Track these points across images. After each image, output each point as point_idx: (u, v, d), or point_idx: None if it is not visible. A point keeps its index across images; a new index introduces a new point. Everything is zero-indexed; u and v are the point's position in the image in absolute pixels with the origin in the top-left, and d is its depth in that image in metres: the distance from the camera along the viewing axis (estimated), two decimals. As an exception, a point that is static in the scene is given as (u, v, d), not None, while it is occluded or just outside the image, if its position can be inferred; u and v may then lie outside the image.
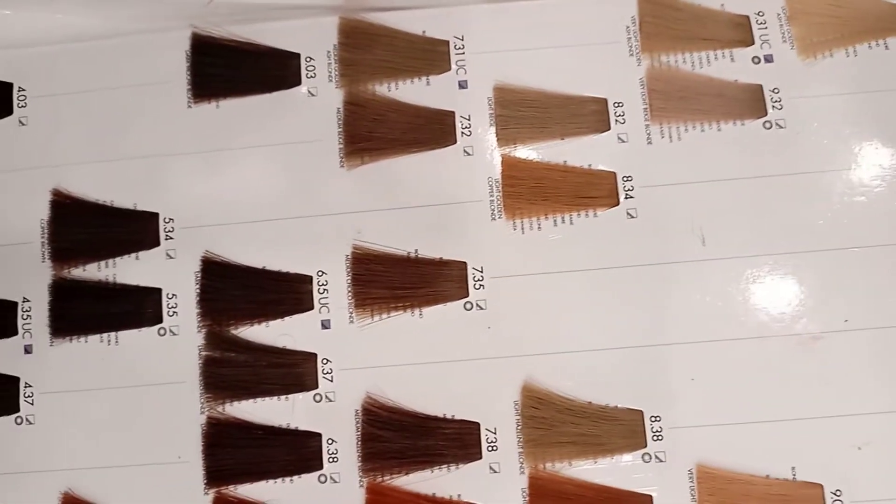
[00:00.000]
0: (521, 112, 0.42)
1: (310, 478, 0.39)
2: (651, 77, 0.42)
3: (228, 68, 0.43)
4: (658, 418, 0.38)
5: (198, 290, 0.41)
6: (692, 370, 0.39)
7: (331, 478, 0.39)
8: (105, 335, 0.41)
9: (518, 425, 0.39)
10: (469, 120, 0.42)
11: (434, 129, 0.42)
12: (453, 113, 0.42)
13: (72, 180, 0.43)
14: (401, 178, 0.42)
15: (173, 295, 0.41)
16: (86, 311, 0.41)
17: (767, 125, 0.41)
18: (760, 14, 0.42)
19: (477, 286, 0.40)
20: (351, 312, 0.40)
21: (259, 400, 0.40)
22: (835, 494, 0.37)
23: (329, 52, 0.43)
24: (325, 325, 0.41)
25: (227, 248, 0.41)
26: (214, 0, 0.42)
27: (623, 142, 0.41)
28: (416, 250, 0.41)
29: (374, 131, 0.42)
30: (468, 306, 0.40)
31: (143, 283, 0.41)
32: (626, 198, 0.41)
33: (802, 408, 0.38)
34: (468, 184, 0.41)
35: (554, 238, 0.41)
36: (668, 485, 0.38)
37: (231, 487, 0.39)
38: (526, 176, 0.41)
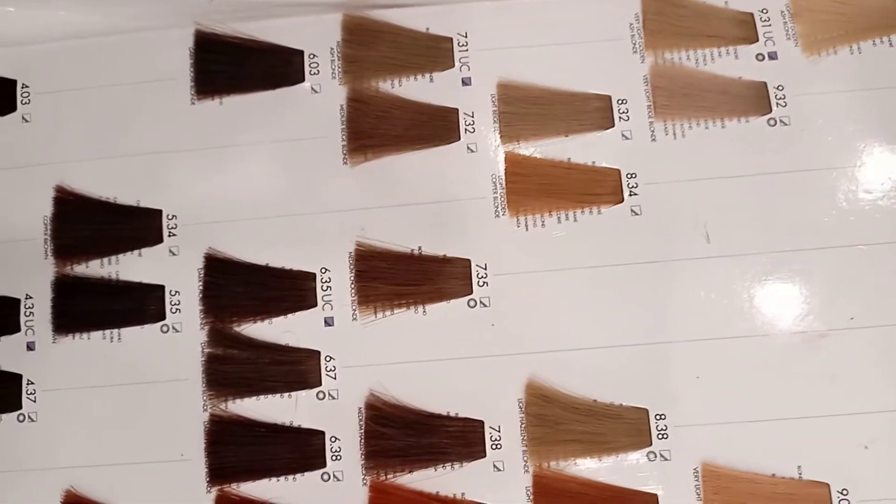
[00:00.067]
0: (524, 109, 0.41)
1: (313, 476, 0.38)
2: (655, 74, 0.41)
3: (232, 65, 0.42)
4: (663, 416, 0.37)
5: (201, 287, 0.40)
6: (697, 368, 0.38)
7: (334, 476, 0.38)
8: (108, 332, 0.40)
9: (522, 423, 0.38)
10: (472, 117, 0.41)
11: (437, 126, 0.41)
12: (457, 110, 0.41)
13: (75, 177, 0.41)
14: (404, 175, 0.40)
15: (176, 292, 0.40)
16: (88, 307, 0.40)
17: (772, 122, 0.40)
18: (764, 11, 0.41)
19: (480, 283, 0.39)
20: (354, 310, 0.39)
21: (262, 397, 0.39)
22: (841, 493, 0.36)
23: (332, 48, 0.42)
24: (329, 322, 0.39)
25: (230, 245, 0.40)
26: (218, -3, 0.42)
27: (627, 139, 0.40)
28: (420, 247, 0.40)
29: (377, 128, 0.41)
30: (472, 304, 0.39)
31: (145, 280, 0.40)
32: (630, 195, 0.40)
33: (808, 406, 0.37)
34: (472, 181, 0.40)
35: (558, 235, 0.39)
36: (674, 483, 0.37)
37: (234, 485, 0.38)
38: (529, 173, 0.40)
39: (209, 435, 0.39)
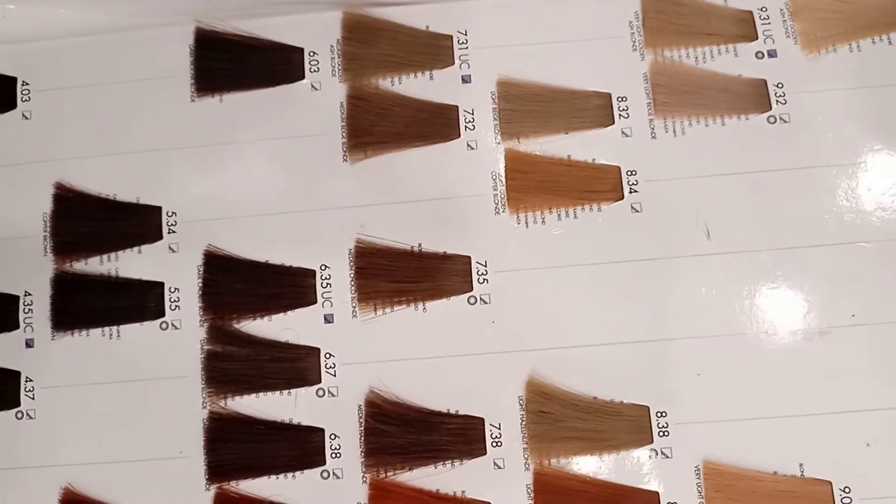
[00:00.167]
0: (524, 106, 0.39)
1: (312, 473, 0.37)
2: (655, 72, 0.39)
3: (232, 63, 0.41)
4: (664, 414, 0.36)
5: (200, 284, 0.38)
6: (698, 365, 0.36)
7: (334, 473, 0.36)
8: (107, 329, 0.38)
9: (523, 421, 0.36)
10: (472, 114, 0.39)
11: (437, 124, 0.39)
12: (457, 107, 0.40)
13: (75, 174, 0.40)
14: (404, 173, 0.39)
15: (176, 289, 0.39)
16: (88, 304, 0.39)
17: (772, 120, 0.39)
18: (763, 9, 0.40)
19: (481, 280, 0.38)
20: (354, 307, 0.38)
21: (261, 394, 0.37)
22: (843, 491, 0.35)
23: (332, 46, 0.41)
24: (328, 319, 0.38)
25: (230, 242, 0.39)
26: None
27: (627, 136, 0.39)
28: (420, 244, 0.38)
29: (377, 125, 0.40)
30: (472, 301, 0.38)
31: (145, 277, 0.39)
32: (630, 192, 0.38)
33: (810, 404, 0.36)
34: (472, 178, 0.39)
35: (558, 232, 0.38)
36: (675, 481, 0.35)
37: (233, 483, 0.37)
38: (530, 170, 0.39)
39: (208, 432, 0.37)
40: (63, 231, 0.39)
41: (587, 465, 0.36)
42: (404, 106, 0.40)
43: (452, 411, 0.37)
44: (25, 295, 0.39)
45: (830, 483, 0.35)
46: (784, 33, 0.40)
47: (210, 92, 0.40)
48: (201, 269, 0.39)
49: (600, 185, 0.38)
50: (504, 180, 0.39)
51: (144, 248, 0.39)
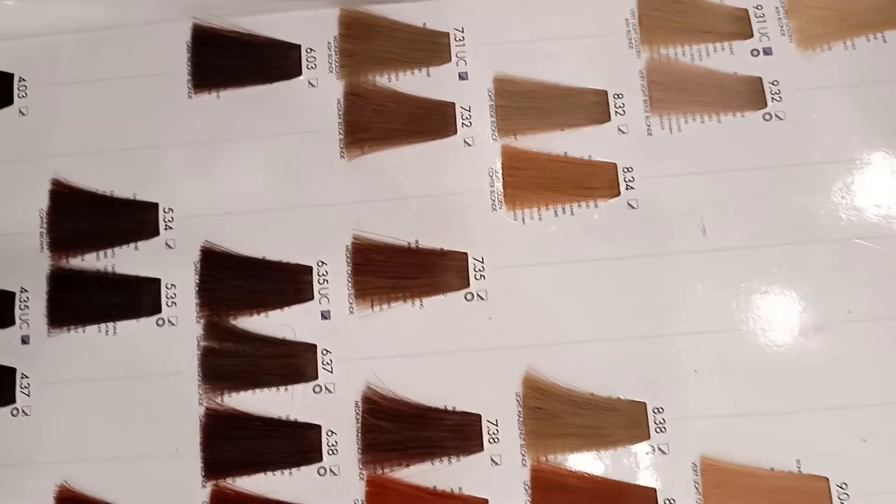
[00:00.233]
0: (521, 103, 0.39)
1: (309, 470, 0.36)
2: (651, 69, 0.39)
3: (229, 59, 0.40)
4: (661, 410, 0.35)
5: (197, 281, 0.38)
6: (695, 361, 0.35)
7: (330, 470, 0.36)
8: (103, 325, 0.37)
9: (520, 417, 0.35)
10: (469, 111, 0.39)
11: (434, 120, 0.39)
12: (454, 104, 0.39)
13: (71, 170, 0.39)
14: (401, 169, 0.38)
15: (172, 285, 0.38)
16: (84, 301, 0.38)
17: (767, 117, 0.38)
18: (759, 7, 0.39)
19: (477, 277, 0.37)
20: (351, 303, 0.37)
21: (258, 391, 0.37)
22: (840, 487, 0.34)
23: (330, 43, 0.40)
24: (325, 315, 0.37)
25: (227, 239, 0.38)
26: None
27: (623, 133, 0.38)
28: (417, 241, 0.37)
29: (374, 122, 0.39)
30: (469, 297, 0.37)
31: (141, 274, 0.38)
32: (626, 189, 0.37)
33: (806, 399, 0.35)
34: (468, 174, 0.38)
35: (555, 229, 0.37)
36: (672, 477, 0.34)
37: (229, 480, 0.36)
38: (526, 167, 0.38)
39: (205, 429, 0.36)
40: (59, 227, 0.39)
41: (584, 462, 0.35)
42: (401, 103, 0.39)
43: (449, 407, 0.36)
44: (21, 291, 0.38)
45: (827, 479, 0.34)
46: (779, 31, 0.39)
47: (207, 88, 0.40)
48: (198, 266, 0.38)
49: (596, 181, 0.38)
50: (501, 177, 0.38)
51: (141, 244, 0.38)
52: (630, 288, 0.36)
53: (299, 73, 0.40)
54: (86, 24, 0.40)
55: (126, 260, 0.38)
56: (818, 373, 0.35)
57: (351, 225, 0.38)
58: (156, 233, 0.38)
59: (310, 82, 0.40)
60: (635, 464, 0.35)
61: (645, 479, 0.35)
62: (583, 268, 0.37)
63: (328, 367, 0.37)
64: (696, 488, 0.34)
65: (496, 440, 0.35)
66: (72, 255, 0.38)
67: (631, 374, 0.36)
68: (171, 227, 0.38)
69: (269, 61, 0.40)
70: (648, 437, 0.35)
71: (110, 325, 0.38)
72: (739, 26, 0.39)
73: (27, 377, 0.37)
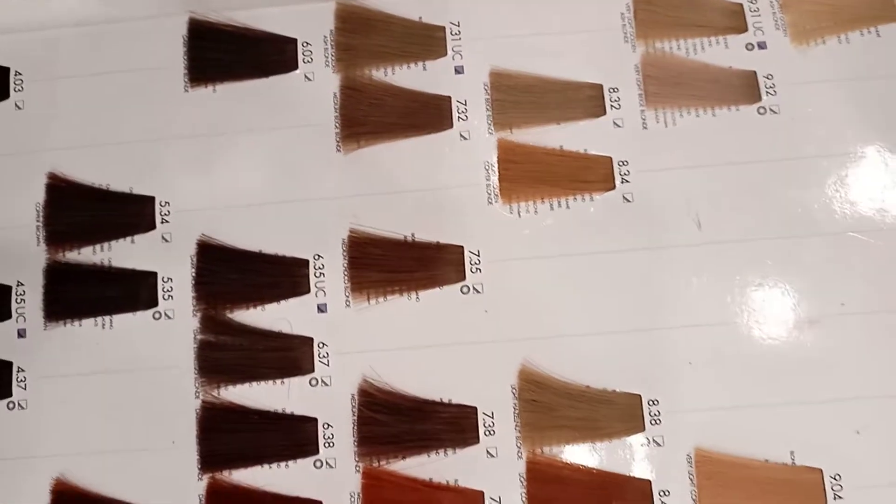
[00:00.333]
0: (517, 97, 0.38)
1: (305, 463, 0.35)
2: (646, 63, 0.38)
3: (225, 53, 0.39)
4: (656, 402, 0.34)
5: (193, 274, 0.37)
6: (690, 354, 0.35)
7: (327, 463, 0.35)
8: (100, 319, 0.37)
9: (515, 409, 0.35)
10: (465, 105, 0.38)
11: (430, 114, 0.38)
12: (450, 98, 0.38)
13: (68, 164, 0.38)
14: (397, 163, 0.38)
15: (169, 279, 0.37)
16: (80, 294, 0.37)
17: (762, 111, 0.37)
18: (754, 1, 0.38)
19: (473, 270, 0.36)
20: (347, 296, 0.36)
21: (254, 384, 0.36)
22: (834, 479, 0.33)
23: (326, 37, 0.39)
24: (322, 308, 0.36)
25: (223, 232, 0.37)
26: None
27: (619, 127, 0.37)
28: (413, 234, 0.37)
29: (370, 116, 0.38)
30: (465, 290, 0.36)
31: (138, 267, 0.37)
32: (622, 182, 0.37)
33: (800, 392, 0.34)
34: (464, 168, 0.37)
35: (550, 222, 0.37)
36: (667, 469, 0.34)
37: (226, 472, 0.35)
38: (522, 160, 0.37)
39: (201, 422, 0.36)
40: (56, 221, 0.38)
41: (580, 454, 0.34)
42: (397, 96, 0.38)
43: (445, 400, 0.35)
44: (18, 285, 0.37)
45: (821, 471, 0.34)
46: (774, 25, 0.38)
47: (203, 82, 0.39)
48: (194, 259, 0.37)
49: (592, 175, 0.37)
50: (497, 170, 0.37)
51: (137, 237, 0.38)
52: (625, 281, 0.36)
53: (295, 66, 0.39)
54: (82, 19, 0.40)
55: (122, 254, 0.37)
56: (812, 365, 0.35)
57: (347, 218, 0.37)
58: (152, 226, 0.38)
59: (306, 76, 0.39)
60: (630, 456, 0.34)
61: (640, 470, 0.34)
62: (578, 261, 0.36)
63: (325, 361, 0.36)
64: (691, 480, 0.34)
65: (492, 433, 0.35)
66: (68, 248, 0.38)
67: (626, 367, 0.35)
68: (167, 221, 0.38)
69: (266, 55, 0.39)
70: (643, 430, 0.34)
71: (107, 318, 0.37)
72: (734, 20, 0.38)
73: (24, 371, 0.37)
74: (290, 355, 0.36)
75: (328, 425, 0.35)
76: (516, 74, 0.38)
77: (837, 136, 0.37)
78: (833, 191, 0.36)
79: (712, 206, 0.36)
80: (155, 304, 0.37)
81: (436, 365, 0.36)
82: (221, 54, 0.39)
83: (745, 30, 0.38)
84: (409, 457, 0.35)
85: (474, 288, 0.36)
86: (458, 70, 0.39)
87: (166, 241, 0.37)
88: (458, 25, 0.39)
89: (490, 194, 0.37)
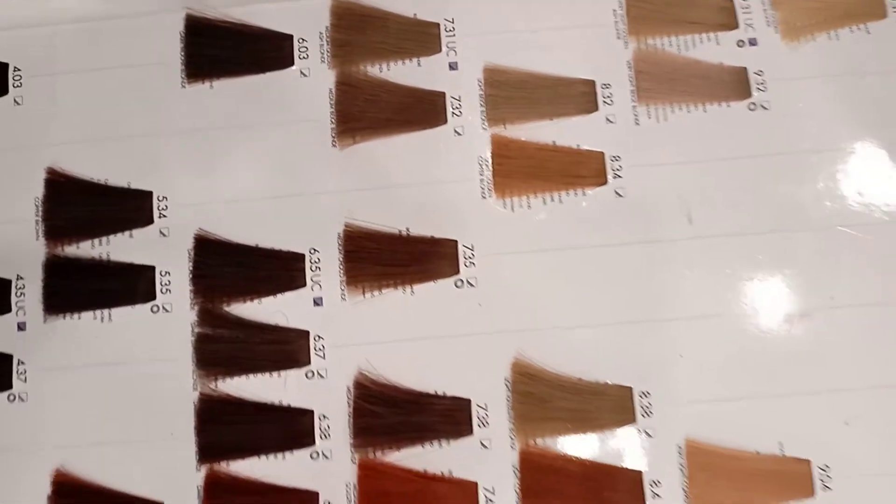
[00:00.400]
0: (510, 93, 0.38)
1: (302, 454, 0.35)
2: (638, 59, 0.38)
3: (222, 49, 0.39)
4: (647, 394, 0.35)
5: (191, 268, 0.37)
6: (681, 347, 0.35)
7: (323, 454, 0.35)
8: (98, 312, 0.37)
9: (509, 401, 0.35)
10: (459, 101, 0.38)
11: (425, 110, 0.38)
12: (444, 94, 0.38)
13: (66, 159, 0.38)
14: (392, 158, 0.37)
15: (167, 272, 0.37)
16: (79, 288, 0.37)
17: (752, 107, 0.37)
18: (745, -1, 0.39)
19: (467, 264, 0.36)
20: (343, 290, 0.36)
21: (251, 377, 0.36)
22: (822, 469, 0.34)
23: (321, 33, 0.39)
24: (318, 302, 0.36)
25: (220, 227, 0.37)
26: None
27: (611, 122, 0.37)
28: (408, 228, 0.37)
29: (365, 112, 0.38)
30: (459, 284, 0.36)
31: (136, 261, 0.37)
32: (614, 177, 0.37)
33: (790, 384, 0.34)
34: (458, 163, 0.37)
35: (543, 216, 0.37)
36: (658, 460, 0.34)
37: (223, 463, 0.35)
38: (515, 155, 0.37)
39: (199, 414, 0.36)
40: (55, 215, 0.38)
41: (572, 445, 0.35)
42: (392, 92, 0.38)
43: (440, 392, 0.35)
44: (18, 278, 0.37)
45: (810, 461, 0.34)
46: (765, 22, 0.38)
47: (200, 78, 0.39)
48: (192, 253, 0.37)
49: (584, 170, 0.37)
50: (490, 165, 0.37)
51: (136, 232, 0.37)
52: (617, 275, 0.36)
53: (292, 63, 0.39)
54: (81, 15, 0.40)
55: (121, 248, 0.37)
56: (801, 358, 0.35)
57: (343, 213, 0.37)
58: (150, 221, 0.37)
59: (302, 72, 0.39)
60: (622, 447, 0.34)
61: (631, 461, 0.34)
62: (571, 255, 0.36)
63: (320, 353, 0.36)
64: (682, 471, 0.34)
65: (486, 424, 0.35)
66: (67, 242, 0.38)
67: (618, 359, 0.35)
68: (165, 216, 0.37)
69: (262, 51, 0.39)
70: (635, 421, 0.35)
71: (105, 311, 0.37)
72: (725, 17, 0.38)
73: (24, 363, 0.37)
74: (287, 348, 0.36)
75: (324, 417, 0.35)
76: (510, 71, 0.38)
77: (827, 131, 0.37)
78: (823, 186, 0.36)
79: (703, 200, 0.36)
80: (153, 297, 0.37)
81: (430, 357, 0.36)
82: (218, 50, 0.39)
83: (736, 27, 0.38)
84: (404, 448, 0.35)
85: (468, 281, 0.36)
86: (453, 66, 0.39)
87: (164, 235, 0.37)
88: (453, 22, 0.39)
89: (484, 189, 0.37)
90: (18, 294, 0.37)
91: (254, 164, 0.38)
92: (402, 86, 0.38)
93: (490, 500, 0.34)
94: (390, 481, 0.35)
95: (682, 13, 0.39)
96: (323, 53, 0.39)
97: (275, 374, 0.36)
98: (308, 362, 0.36)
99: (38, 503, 0.35)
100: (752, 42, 0.38)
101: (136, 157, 0.38)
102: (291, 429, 0.35)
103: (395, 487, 0.35)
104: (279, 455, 0.35)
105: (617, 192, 0.37)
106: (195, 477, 0.35)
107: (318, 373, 0.36)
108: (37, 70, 0.39)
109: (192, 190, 0.38)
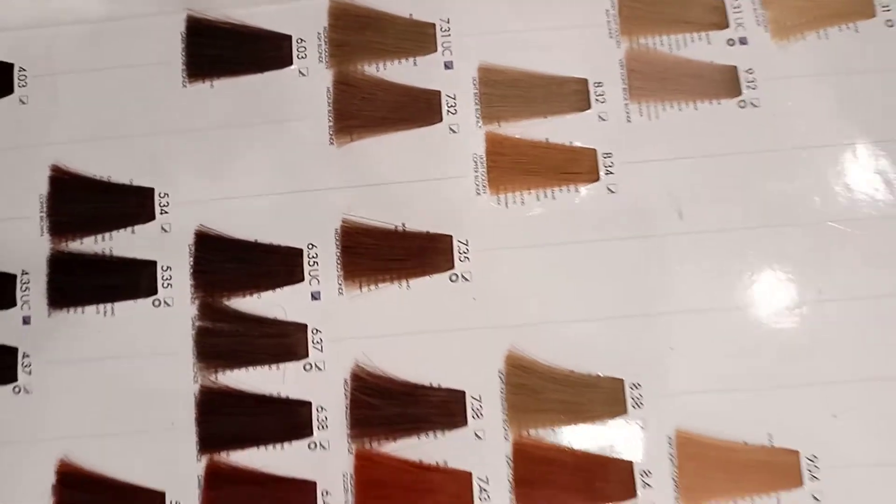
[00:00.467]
0: (504, 91, 0.38)
1: (300, 444, 0.36)
2: (630, 58, 0.38)
3: (222, 49, 0.39)
4: (638, 386, 0.35)
5: (191, 263, 0.37)
6: (671, 340, 0.35)
7: (320, 444, 0.35)
8: (101, 306, 0.37)
9: (502, 393, 0.35)
10: (455, 99, 0.38)
11: (421, 108, 0.38)
12: (439, 92, 0.38)
13: (70, 157, 0.39)
14: (389, 155, 0.38)
15: (168, 267, 0.37)
16: (83, 283, 0.37)
17: (742, 104, 0.38)
18: (735, -2, 0.39)
19: (462, 259, 0.37)
20: (340, 284, 0.37)
21: (251, 369, 0.36)
22: (810, 460, 0.34)
23: (320, 33, 0.39)
24: (315, 296, 0.37)
25: (221, 223, 0.38)
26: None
27: (603, 120, 0.38)
28: (404, 224, 0.37)
29: (362, 110, 0.38)
30: (454, 278, 0.37)
31: (138, 256, 0.38)
32: (606, 174, 0.37)
33: (778, 376, 0.35)
34: (454, 160, 0.38)
35: (537, 212, 0.37)
36: (649, 450, 0.34)
37: (223, 454, 0.36)
38: (510, 152, 0.38)
39: (200, 405, 0.36)
40: (59, 212, 0.38)
41: (564, 436, 0.35)
42: (389, 91, 0.39)
43: (435, 384, 0.36)
44: (23, 273, 0.38)
45: (798, 452, 0.34)
46: (755, 21, 0.39)
47: (201, 78, 0.39)
48: (193, 249, 0.38)
49: (577, 167, 0.37)
50: (485, 162, 0.38)
51: (138, 228, 0.38)
52: (609, 270, 0.36)
53: (290, 62, 0.39)
54: (83, 16, 0.40)
55: (123, 243, 0.38)
56: (790, 351, 0.35)
57: (340, 209, 0.37)
58: (152, 217, 0.38)
59: (300, 72, 0.39)
60: (613, 438, 0.35)
61: (623, 452, 0.35)
62: (563, 250, 0.37)
63: (318, 346, 0.36)
64: (672, 461, 0.34)
65: (480, 415, 0.35)
66: (71, 238, 0.38)
67: (609, 352, 0.35)
68: (166, 212, 0.38)
69: (261, 51, 0.39)
70: (626, 413, 0.35)
71: (108, 306, 0.37)
72: (716, 17, 0.39)
73: (28, 356, 0.37)
74: (285, 341, 0.37)
75: (322, 408, 0.36)
76: (504, 70, 0.39)
77: (816, 129, 0.37)
78: (812, 182, 0.37)
79: (694, 196, 0.37)
80: (154, 292, 0.37)
81: (425, 350, 0.36)
82: (219, 50, 0.39)
83: (727, 26, 0.39)
84: (400, 439, 0.35)
85: (463, 276, 0.37)
86: (448, 65, 0.39)
87: (165, 231, 0.38)
88: (448, 22, 0.39)
89: (478, 185, 0.38)
90: (23, 289, 0.38)
91: (253, 162, 0.38)
92: (399, 85, 0.39)
93: (484, 490, 0.35)
94: (386, 471, 0.35)
95: (674, 13, 0.39)
96: (321, 53, 0.39)
97: (274, 366, 0.36)
98: (306, 355, 0.36)
99: (42, 493, 0.36)
100: (743, 41, 0.38)
101: (138, 154, 0.39)
102: (290, 420, 0.36)
103: (390, 477, 0.35)
104: (278, 445, 0.36)
105: (609, 189, 0.37)
106: (196, 467, 0.36)
107: (316, 365, 0.36)
108: (41, 70, 0.40)
109: (192, 187, 0.38)
